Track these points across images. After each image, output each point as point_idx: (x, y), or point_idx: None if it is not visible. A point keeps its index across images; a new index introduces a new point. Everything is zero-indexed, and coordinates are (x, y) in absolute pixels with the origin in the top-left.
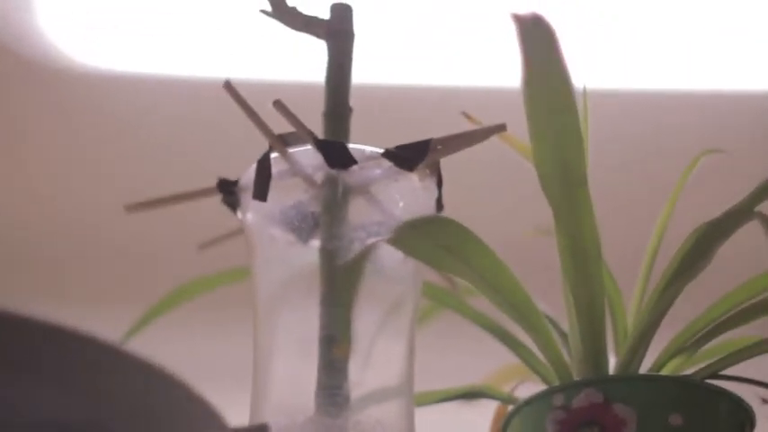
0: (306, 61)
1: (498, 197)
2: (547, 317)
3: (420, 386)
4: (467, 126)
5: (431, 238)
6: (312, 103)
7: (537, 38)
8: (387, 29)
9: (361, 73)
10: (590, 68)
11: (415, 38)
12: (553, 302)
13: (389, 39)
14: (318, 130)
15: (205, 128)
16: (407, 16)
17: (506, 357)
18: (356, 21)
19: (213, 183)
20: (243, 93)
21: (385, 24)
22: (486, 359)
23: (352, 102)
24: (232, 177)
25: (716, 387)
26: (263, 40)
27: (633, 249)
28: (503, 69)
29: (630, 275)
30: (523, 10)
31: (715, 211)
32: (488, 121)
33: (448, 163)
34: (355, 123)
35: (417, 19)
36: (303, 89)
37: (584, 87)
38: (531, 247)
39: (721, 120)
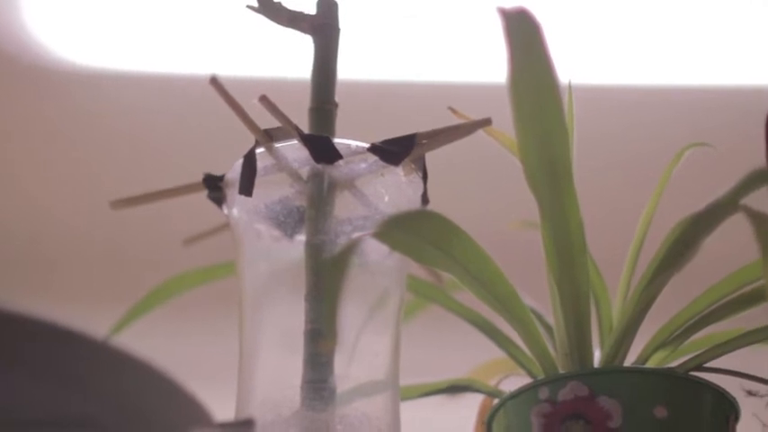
0: (292, 57)
1: (484, 191)
2: (532, 310)
3: (406, 380)
4: (452, 121)
5: (416, 232)
6: (298, 98)
7: (523, 32)
8: (373, 24)
9: (348, 68)
10: (576, 63)
11: (400, 33)
12: (539, 296)
13: (375, 34)
14: (305, 125)
15: (192, 124)
16: (393, 11)
17: (492, 351)
18: (342, 16)
19: (200, 178)
20: (229, 89)
21: (371, 19)
22: (471, 353)
23: (339, 97)
24: (220, 172)
25: (700, 379)
26: (250, 35)
27: (618, 243)
28: (488, 64)
29: (616, 269)
30: (509, 4)
31: (700, 204)
32: (475, 116)
33: (435, 157)
34: (341, 118)
35: (403, 14)
36: (289, 85)
37: (570, 82)
38: (517, 240)
39: (706, 114)
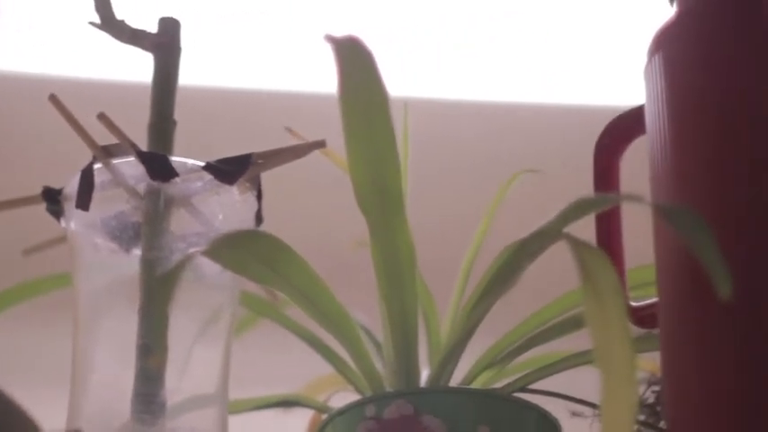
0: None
1: (324, 208)
2: (363, 328)
3: (238, 394)
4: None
5: (245, 250)
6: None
7: (353, 61)
8: (218, 34)
9: (193, 75)
10: (413, 78)
11: (245, 42)
12: (376, 313)
13: (219, 43)
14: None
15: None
16: (241, 20)
17: (325, 367)
18: (185, 29)
19: (39, 189)
20: (92, 91)
21: (216, 29)
22: (305, 368)
23: (186, 103)
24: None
25: (522, 400)
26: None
27: (452, 262)
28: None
29: (450, 289)
30: (341, 31)
31: (533, 223)
32: (321, 125)
33: (275, 174)
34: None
35: (247, 22)
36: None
37: (406, 104)
38: (355, 258)
39: (543, 133)
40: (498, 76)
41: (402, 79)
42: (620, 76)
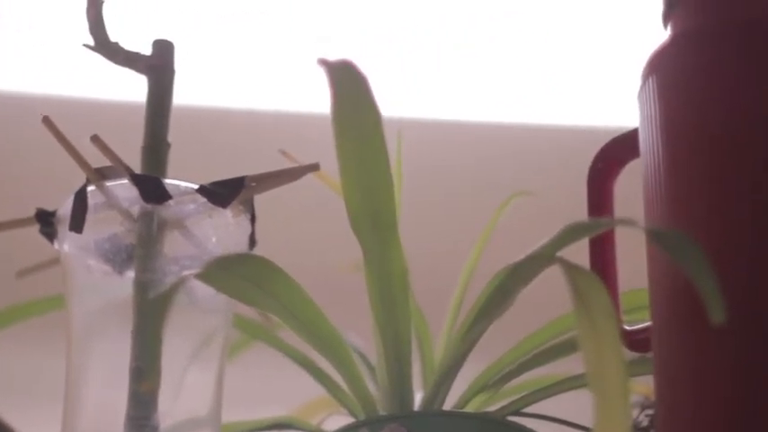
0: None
1: (318, 232)
2: (357, 351)
3: (231, 416)
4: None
5: (239, 274)
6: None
7: (347, 85)
8: (211, 49)
9: (187, 95)
10: (413, 80)
11: (239, 57)
12: (370, 337)
13: (212, 60)
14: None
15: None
16: (236, 30)
17: (318, 390)
18: (179, 52)
19: (32, 211)
20: (85, 110)
21: (210, 45)
22: (298, 391)
23: (179, 123)
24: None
25: (516, 424)
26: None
27: (447, 286)
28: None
29: (443, 312)
30: (335, 56)
31: (526, 245)
32: (316, 146)
33: (269, 197)
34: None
35: (243, 31)
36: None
37: (400, 129)
38: (349, 281)
39: (538, 155)
40: (497, 79)
41: (401, 80)
42: (617, 93)
